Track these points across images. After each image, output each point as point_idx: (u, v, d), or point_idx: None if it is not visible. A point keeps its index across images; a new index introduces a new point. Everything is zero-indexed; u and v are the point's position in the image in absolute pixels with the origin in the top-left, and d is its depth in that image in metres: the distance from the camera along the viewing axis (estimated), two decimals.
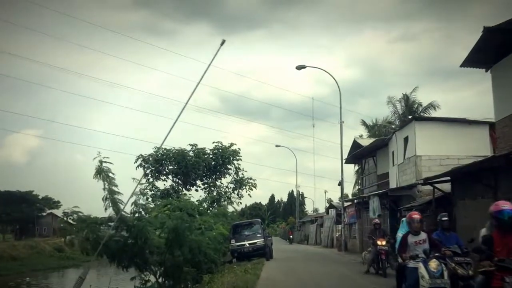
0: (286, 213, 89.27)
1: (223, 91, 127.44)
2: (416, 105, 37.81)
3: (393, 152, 22.29)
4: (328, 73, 31.04)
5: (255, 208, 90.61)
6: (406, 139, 19.93)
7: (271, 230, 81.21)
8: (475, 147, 17.73)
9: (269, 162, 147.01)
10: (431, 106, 36.38)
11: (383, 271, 14.12)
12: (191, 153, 26.07)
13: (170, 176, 26.20)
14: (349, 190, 47.99)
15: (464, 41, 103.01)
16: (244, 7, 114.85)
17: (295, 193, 78.42)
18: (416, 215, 7.31)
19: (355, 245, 29.83)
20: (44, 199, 72.68)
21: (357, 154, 29.57)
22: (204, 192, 26.15)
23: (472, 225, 12.11)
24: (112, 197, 9.93)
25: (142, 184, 10.56)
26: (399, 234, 8.24)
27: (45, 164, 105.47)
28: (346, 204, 32.20)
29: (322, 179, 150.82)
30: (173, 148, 25.98)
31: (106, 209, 9.96)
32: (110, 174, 10.28)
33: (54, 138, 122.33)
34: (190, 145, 26.56)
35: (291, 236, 54.09)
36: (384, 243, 14.18)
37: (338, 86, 30.87)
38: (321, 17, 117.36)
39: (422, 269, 6.80)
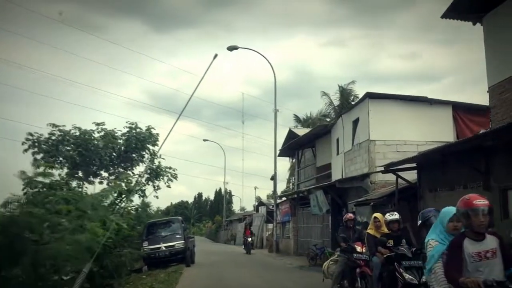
0: (213, 211, 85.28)
1: (153, 83, 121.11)
2: (353, 97, 35.89)
3: (337, 139, 19.26)
4: (261, 55, 28.62)
5: (181, 207, 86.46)
6: (355, 122, 16.92)
7: (197, 229, 77.16)
8: (437, 132, 15.21)
9: (198, 160, 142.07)
10: None
11: None
12: (96, 135, 21.04)
13: (66, 164, 20.69)
14: (281, 187, 45.32)
15: (389, 49, 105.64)
16: (177, 5, 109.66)
17: (223, 191, 74.70)
18: (480, 200, 3.48)
19: (289, 246, 26.75)
20: None
21: (292, 145, 26.44)
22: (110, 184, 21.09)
23: None
24: None
25: None
26: (432, 242, 4.06)
27: None
28: (279, 200, 29.19)
29: (252, 177, 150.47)
30: (73, 128, 20.76)
31: None
32: None
33: None
34: (96, 124, 21.50)
35: (250, 239, 30.11)
36: (364, 249, 9.26)
37: (273, 69, 28.13)
38: (254, 20, 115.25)
39: None
